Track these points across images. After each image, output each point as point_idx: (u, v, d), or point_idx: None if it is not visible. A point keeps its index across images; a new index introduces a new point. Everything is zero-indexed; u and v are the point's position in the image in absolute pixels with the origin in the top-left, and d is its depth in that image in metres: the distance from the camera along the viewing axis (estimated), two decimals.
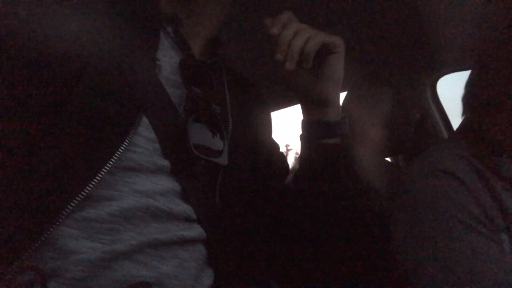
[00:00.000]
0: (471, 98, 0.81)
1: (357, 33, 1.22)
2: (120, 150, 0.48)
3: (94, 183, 0.46)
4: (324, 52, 0.62)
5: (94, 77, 0.49)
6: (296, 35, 0.58)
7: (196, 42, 0.66)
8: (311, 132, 0.67)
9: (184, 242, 0.53)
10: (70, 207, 0.45)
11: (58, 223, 0.45)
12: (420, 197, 0.71)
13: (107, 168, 0.47)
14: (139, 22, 0.58)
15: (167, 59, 0.60)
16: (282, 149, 0.84)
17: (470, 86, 0.82)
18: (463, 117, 0.85)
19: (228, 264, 0.59)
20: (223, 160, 0.58)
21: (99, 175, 0.47)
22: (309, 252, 0.68)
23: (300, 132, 0.70)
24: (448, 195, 0.68)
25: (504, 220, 0.67)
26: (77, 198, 0.45)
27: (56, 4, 0.50)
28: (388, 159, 1.45)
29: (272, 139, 0.79)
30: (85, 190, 0.46)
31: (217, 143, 0.59)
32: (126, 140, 0.49)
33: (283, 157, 0.79)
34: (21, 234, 0.44)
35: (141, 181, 0.51)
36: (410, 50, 1.35)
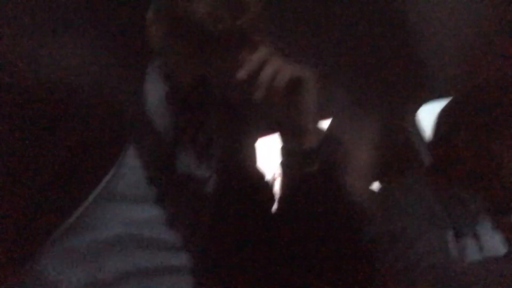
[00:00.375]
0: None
1: (343, 60, 1.25)
2: (106, 178, 0.48)
3: (79, 212, 0.46)
4: (297, 83, 0.62)
5: (81, 107, 0.50)
6: (266, 67, 0.59)
7: (183, 73, 0.67)
8: (289, 160, 0.68)
9: (170, 270, 0.52)
10: (55, 237, 0.44)
11: (41, 253, 0.44)
12: (385, 201, 0.87)
13: (93, 197, 0.47)
14: (128, 53, 0.60)
15: (155, 90, 0.60)
16: (269, 176, 0.84)
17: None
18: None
19: None
20: (210, 188, 0.58)
21: (84, 204, 0.46)
22: (297, 278, 0.67)
23: (280, 160, 0.71)
24: (405, 202, 0.85)
25: (453, 221, 0.84)
26: (61, 227, 0.45)
27: (46, 37, 0.51)
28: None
29: (258, 167, 0.80)
30: (69, 220, 0.45)
31: (204, 171, 0.59)
32: (113, 169, 0.49)
33: (269, 185, 0.79)
34: (3, 265, 0.43)
35: (126, 209, 0.50)
36: (394, 78, 1.39)
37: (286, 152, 0.68)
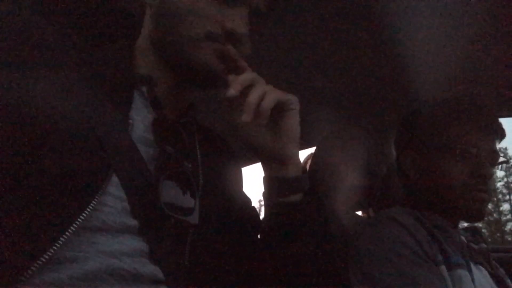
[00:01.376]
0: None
1: (327, 86, 1.28)
2: (88, 209, 0.47)
3: (58, 245, 0.44)
4: (280, 109, 0.63)
5: (64, 135, 0.48)
6: (253, 90, 0.60)
7: (169, 101, 0.66)
8: (271, 188, 0.67)
9: None
10: (30, 272, 0.42)
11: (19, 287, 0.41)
12: (372, 238, 0.87)
13: (73, 229, 0.45)
14: (113, 81, 0.59)
15: (140, 118, 0.60)
16: (255, 204, 0.84)
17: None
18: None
19: None
20: (194, 219, 0.57)
21: (64, 236, 0.45)
22: None
23: (262, 190, 0.70)
24: (391, 235, 0.85)
25: (442, 255, 0.83)
26: (38, 261, 0.43)
27: (25, 63, 0.50)
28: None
29: (244, 193, 0.79)
30: (48, 253, 0.43)
31: (188, 201, 0.58)
32: (95, 199, 0.48)
33: (255, 212, 0.78)
34: None
35: (107, 242, 0.49)
36: (377, 107, 1.42)
37: (269, 180, 0.68)
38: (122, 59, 0.64)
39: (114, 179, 0.52)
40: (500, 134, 0.95)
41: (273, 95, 0.61)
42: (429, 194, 0.97)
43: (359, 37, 1.06)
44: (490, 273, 0.93)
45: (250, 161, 1.77)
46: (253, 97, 0.59)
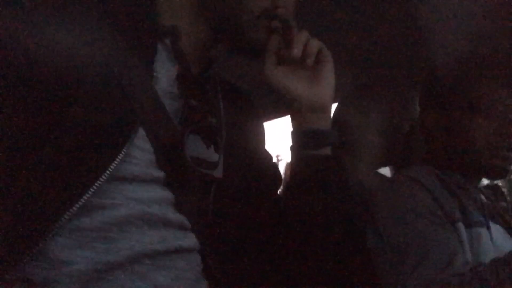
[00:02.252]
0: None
1: (348, 43, 1.24)
2: (116, 160, 0.48)
3: (90, 193, 0.46)
4: (318, 59, 0.65)
5: (90, 89, 0.49)
6: (300, 32, 0.65)
7: (193, 55, 0.66)
8: (303, 141, 0.68)
9: (181, 251, 0.53)
10: (66, 217, 0.45)
11: (52, 234, 0.44)
12: (391, 198, 0.89)
13: (104, 178, 0.47)
14: (137, 33, 0.59)
15: (164, 71, 0.60)
16: (273, 159, 0.85)
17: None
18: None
19: (223, 275, 0.59)
20: (219, 172, 0.58)
21: (96, 185, 0.47)
22: (303, 262, 0.67)
23: (290, 143, 0.71)
24: (411, 195, 0.86)
25: (461, 212, 0.85)
26: (73, 208, 0.45)
27: (49, 17, 0.50)
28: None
29: (265, 150, 0.80)
30: (81, 200, 0.46)
31: (212, 156, 0.59)
32: (123, 151, 0.49)
33: (276, 168, 0.79)
34: (14, 246, 0.43)
35: (135, 190, 0.51)
36: (400, 61, 1.38)
37: (301, 133, 0.68)
38: (145, 9, 0.63)
39: (141, 131, 0.53)
40: None
41: (317, 41, 0.65)
42: (452, 153, 0.96)
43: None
44: (509, 232, 0.94)
45: (271, 116, 1.77)
46: (302, 35, 0.64)
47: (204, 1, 0.64)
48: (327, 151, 0.67)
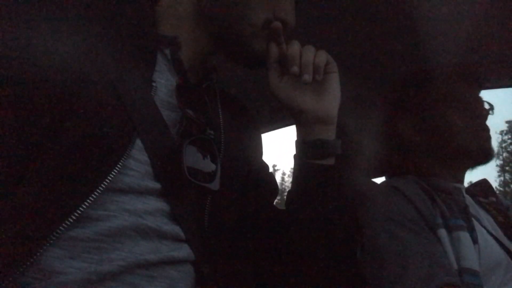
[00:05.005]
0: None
1: (348, 52, 1.26)
2: (113, 172, 0.48)
3: (86, 205, 0.46)
4: (324, 71, 0.66)
5: (89, 98, 0.49)
6: (305, 50, 0.65)
7: (192, 65, 0.66)
8: (308, 151, 0.68)
9: (174, 262, 0.52)
10: (62, 228, 0.44)
11: (46, 244, 0.44)
12: (374, 207, 0.91)
13: (100, 190, 0.47)
14: (137, 43, 0.59)
15: (163, 81, 0.60)
16: (269, 169, 0.85)
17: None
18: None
19: (216, 286, 0.58)
20: (215, 185, 0.58)
21: (92, 196, 0.46)
22: (298, 273, 0.67)
23: (294, 152, 0.71)
24: (391, 205, 0.89)
25: (442, 218, 0.87)
26: (69, 219, 0.45)
27: (50, 25, 0.50)
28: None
29: (262, 160, 0.80)
30: (77, 211, 0.45)
31: (209, 167, 0.59)
32: (120, 163, 0.49)
33: (272, 178, 0.80)
34: (10, 257, 0.42)
35: (130, 201, 0.50)
36: (394, 74, 1.39)
37: (306, 143, 0.69)
38: (145, 19, 0.63)
39: (138, 142, 0.52)
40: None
41: (323, 54, 0.65)
42: (434, 151, 1.02)
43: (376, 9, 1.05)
44: (500, 224, 0.97)
45: (268, 127, 1.77)
46: (308, 55, 0.64)
47: (205, 12, 0.65)
48: (332, 161, 0.68)
